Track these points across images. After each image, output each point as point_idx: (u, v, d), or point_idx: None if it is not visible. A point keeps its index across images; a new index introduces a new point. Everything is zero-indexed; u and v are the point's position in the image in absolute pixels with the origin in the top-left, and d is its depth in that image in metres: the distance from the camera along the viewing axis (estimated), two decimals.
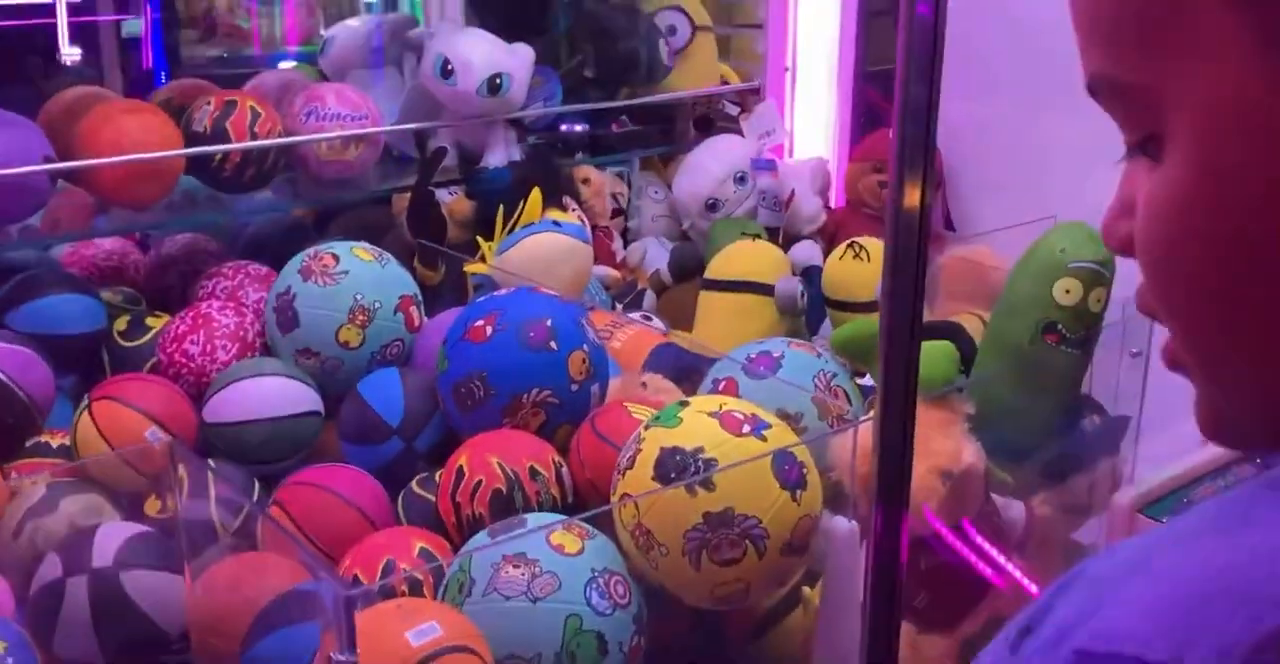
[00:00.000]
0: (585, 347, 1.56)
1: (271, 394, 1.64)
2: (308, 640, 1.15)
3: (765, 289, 2.04)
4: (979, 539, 1.40)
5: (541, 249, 1.92)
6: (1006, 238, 1.86)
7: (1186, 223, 0.45)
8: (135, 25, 3.11)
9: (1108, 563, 0.47)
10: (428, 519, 1.48)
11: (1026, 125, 2.31)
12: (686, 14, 2.54)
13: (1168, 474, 1.46)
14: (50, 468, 1.55)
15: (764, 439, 1.32)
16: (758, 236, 2.28)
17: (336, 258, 1.72)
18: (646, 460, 1.31)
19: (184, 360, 1.71)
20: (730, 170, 2.45)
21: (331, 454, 1.67)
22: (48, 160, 1.76)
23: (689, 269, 2.31)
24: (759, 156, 2.47)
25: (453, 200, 2.27)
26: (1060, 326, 1.51)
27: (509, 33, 2.19)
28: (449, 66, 2.09)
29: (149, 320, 1.84)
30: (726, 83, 2.67)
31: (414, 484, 1.55)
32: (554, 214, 2.07)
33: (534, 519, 1.35)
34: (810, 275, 2.13)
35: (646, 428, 1.36)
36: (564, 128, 2.56)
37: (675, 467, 1.29)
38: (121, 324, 1.84)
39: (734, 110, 2.69)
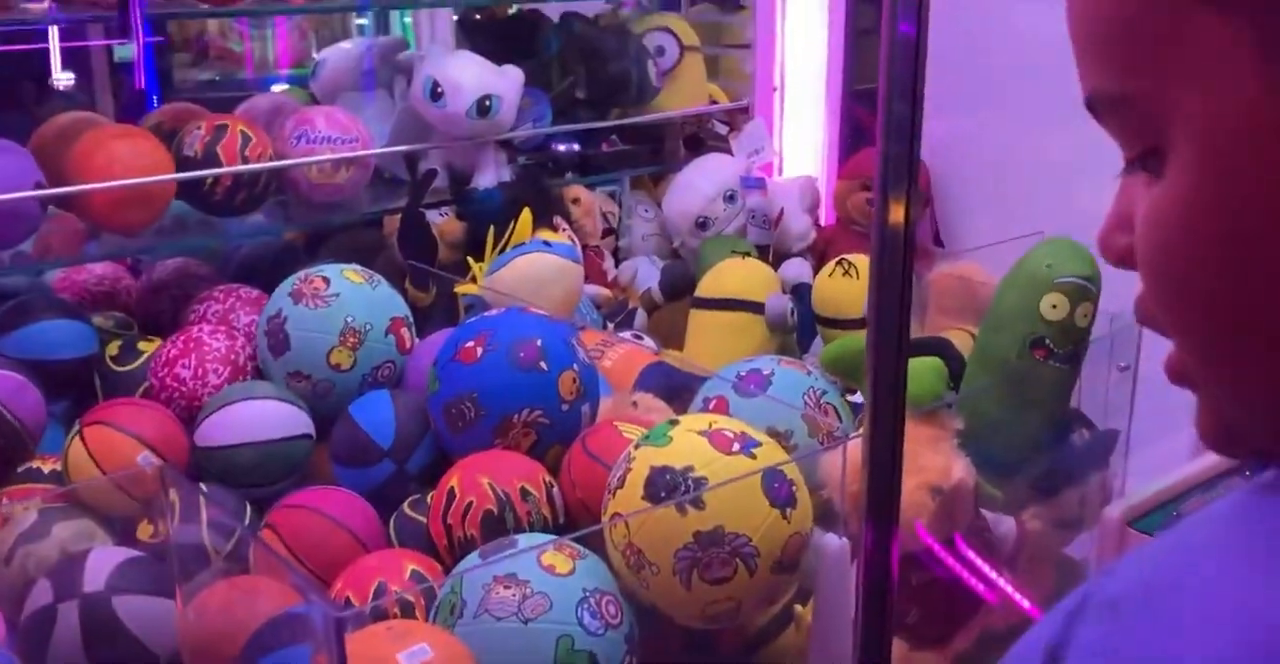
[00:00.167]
0: (576, 366, 1.57)
1: (263, 417, 1.64)
2: (300, 663, 1.15)
3: (755, 307, 2.06)
4: (970, 554, 1.40)
5: (532, 269, 1.92)
6: (995, 253, 1.86)
7: (1192, 234, 0.46)
8: (127, 50, 3.12)
9: (1119, 584, 0.47)
10: (419, 541, 1.48)
11: (1014, 142, 2.32)
12: (675, 35, 2.56)
13: (1157, 487, 1.46)
14: (42, 493, 1.54)
15: (754, 457, 1.32)
16: (748, 255, 2.29)
17: (327, 280, 1.72)
18: (636, 480, 1.31)
19: (176, 384, 1.71)
20: (720, 189, 2.46)
21: (323, 477, 1.67)
22: (39, 186, 1.77)
23: (680, 288, 2.31)
24: (748, 175, 2.49)
25: (443, 221, 2.28)
26: (1048, 341, 1.52)
27: (500, 56, 2.21)
28: (439, 89, 2.10)
29: (141, 345, 1.84)
30: (715, 102, 2.69)
31: (405, 506, 1.55)
32: (544, 234, 2.08)
33: (525, 540, 1.35)
34: (800, 293, 2.14)
35: (636, 447, 1.37)
36: (554, 148, 2.57)
37: (665, 486, 1.29)
38: (113, 349, 1.83)
39: (723, 129, 2.71)
